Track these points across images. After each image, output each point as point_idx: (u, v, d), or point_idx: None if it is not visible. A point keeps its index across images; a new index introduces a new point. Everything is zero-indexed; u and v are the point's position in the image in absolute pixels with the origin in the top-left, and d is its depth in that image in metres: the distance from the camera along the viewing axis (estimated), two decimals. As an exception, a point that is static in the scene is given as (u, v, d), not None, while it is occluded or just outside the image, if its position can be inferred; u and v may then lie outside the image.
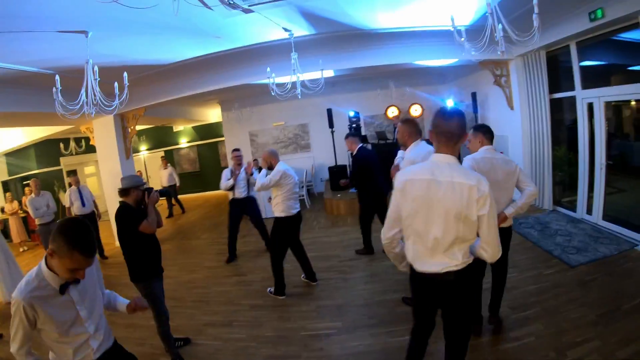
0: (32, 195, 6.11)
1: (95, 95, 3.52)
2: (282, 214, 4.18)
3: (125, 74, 3.62)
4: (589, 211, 5.25)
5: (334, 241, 6.09)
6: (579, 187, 5.40)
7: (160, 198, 3.35)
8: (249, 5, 3.61)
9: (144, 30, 3.97)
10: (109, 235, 7.17)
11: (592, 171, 5.10)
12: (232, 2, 3.48)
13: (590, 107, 5.01)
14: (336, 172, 8.67)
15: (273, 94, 5.02)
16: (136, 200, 3.07)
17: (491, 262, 1.91)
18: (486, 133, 3.08)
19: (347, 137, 5.28)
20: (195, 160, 12.87)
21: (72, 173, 6.63)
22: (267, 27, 4.58)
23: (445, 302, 1.97)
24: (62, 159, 11.12)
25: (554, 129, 5.87)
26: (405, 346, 2.29)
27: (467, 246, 1.86)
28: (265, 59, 5.45)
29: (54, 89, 3.42)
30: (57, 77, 3.35)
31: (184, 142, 12.96)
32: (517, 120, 6.49)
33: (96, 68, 3.40)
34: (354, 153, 5.14)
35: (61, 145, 10.59)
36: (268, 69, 4.83)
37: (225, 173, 5.62)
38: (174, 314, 3.92)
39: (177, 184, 10.15)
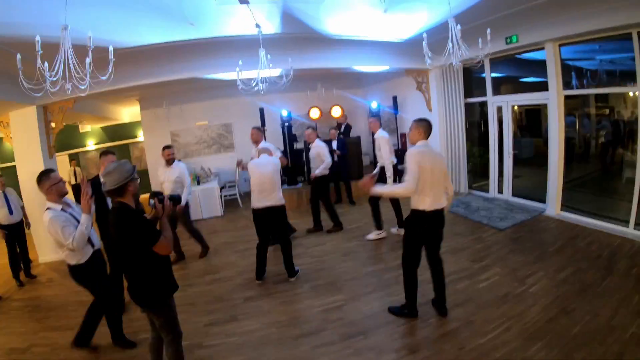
0: None
1: (69, 68, 2.91)
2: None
3: (111, 47, 3.24)
4: (500, 191, 6.76)
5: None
6: (490, 173, 6.90)
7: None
8: (253, -4, 3.73)
9: (121, 3, 3.63)
10: (31, 248, 5.95)
11: (501, 160, 6.60)
12: (239, -10, 3.56)
13: (500, 109, 6.48)
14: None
15: (240, 88, 5.07)
16: (134, 194, 2.36)
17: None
18: (427, 129, 3.23)
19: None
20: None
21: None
22: (235, 20, 4.67)
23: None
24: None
25: (468, 128, 7.29)
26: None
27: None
28: (230, 52, 5.45)
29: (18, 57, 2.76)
30: (37, 38, 2.70)
31: (91, 144, 11.31)
32: (435, 120, 7.76)
33: (90, 34, 2.87)
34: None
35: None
36: (240, 62, 4.84)
37: None
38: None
39: None
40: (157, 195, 2.46)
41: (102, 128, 11.39)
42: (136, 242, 2.22)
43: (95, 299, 3.24)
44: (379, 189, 3.19)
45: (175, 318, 2.54)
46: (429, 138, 3.22)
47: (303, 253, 5.23)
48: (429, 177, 3.03)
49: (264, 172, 4.25)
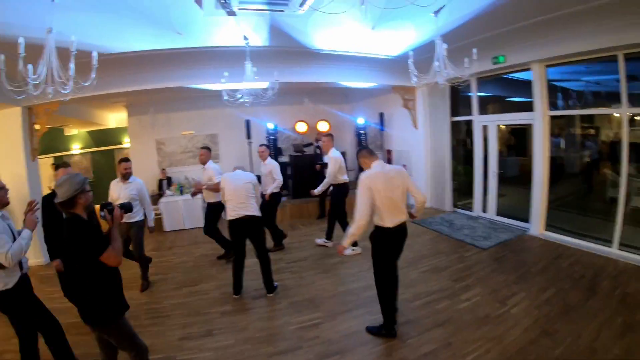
0: None
1: (52, 72, 2.90)
2: None
3: (95, 53, 3.19)
4: (484, 210, 6.76)
5: (269, 246, 6.09)
6: (475, 191, 6.90)
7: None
8: (240, 9, 3.73)
9: (111, 9, 3.61)
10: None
11: (486, 179, 6.62)
12: (224, 2, 3.56)
13: (485, 128, 6.53)
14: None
15: (225, 99, 5.05)
16: (86, 206, 2.30)
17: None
18: (371, 152, 3.33)
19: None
20: (89, 169, 11.15)
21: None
22: (223, 31, 4.67)
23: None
24: None
25: (453, 146, 7.32)
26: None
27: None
28: (217, 62, 5.43)
29: (1, 57, 2.71)
30: (20, 40, 2.67)
31: (76, 148, 11.09)
32: (421, 138, 7.84)
33: (73, 38, 2.89)
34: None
35: None
36: (226, 74, 4.83)
37: None
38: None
39: None
40: (107, 206, 2.41)
41: (88, 132, 11.23)
42: (84, 252, 2.15)
43: (20, 335, 2.81)
44: (345, 243, 3.21)
45: (132, 334, 2.43)
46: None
47: (283, 268, 5.11)
48: (384, 197, 3.06)
49: (238, 183, 4.23)
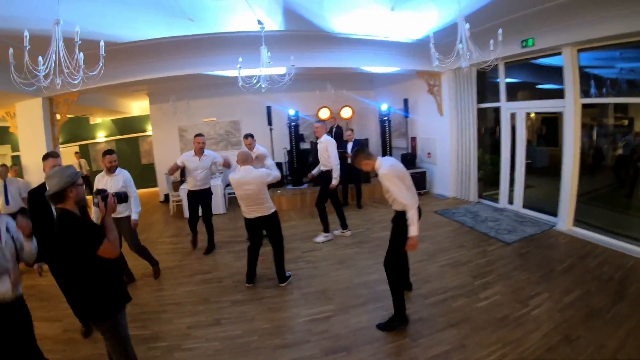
0: None
1: (60, 63, 2.90)
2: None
3: (102, 42, 3.15)
4: (510, 201, 6.44)
5: (287, 235, 6.06)
6: (501, 182, 6.57)
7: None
8: (249, -8, 3.61)
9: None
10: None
11: (513, 169, 6.27)
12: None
13: (513, 116, 6.17)
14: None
15: (240, 85, 4.96)
16: (77, 201, 2.17)
17: None
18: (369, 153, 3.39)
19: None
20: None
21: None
22: (237, 17, 4.59)
23: None
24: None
25: (479, 134, 6.98)
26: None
27: None
28: (232, 49, 5.34)
29: (10, 51, 2.78)
30: (25, 33, 2.68)
31: (101, 136, 11.45)
32: (446, 125, 7.51)
33: (78, 29, 2.86)
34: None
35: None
36: (240, 59, 4.73)
37: None
38: (146, 320, 3.67)
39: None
40: (101, 193, 2.29)
41: (112, 120, 11.52)
42: (80, 247, 2.06)
43: None
44: (413, 233, 3.03)
45: (126, 338, 2.29)
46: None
47: (298, 258, 5.07)
48: (408, 183, 3.17)
49: (247, 190, 4.03)
